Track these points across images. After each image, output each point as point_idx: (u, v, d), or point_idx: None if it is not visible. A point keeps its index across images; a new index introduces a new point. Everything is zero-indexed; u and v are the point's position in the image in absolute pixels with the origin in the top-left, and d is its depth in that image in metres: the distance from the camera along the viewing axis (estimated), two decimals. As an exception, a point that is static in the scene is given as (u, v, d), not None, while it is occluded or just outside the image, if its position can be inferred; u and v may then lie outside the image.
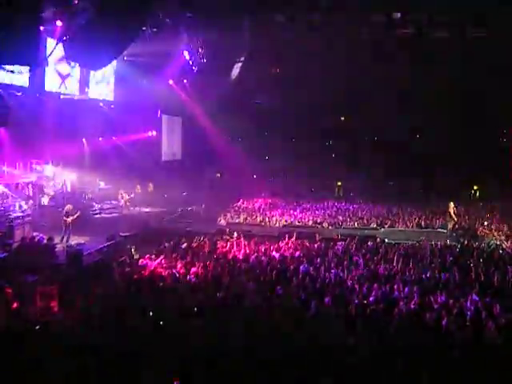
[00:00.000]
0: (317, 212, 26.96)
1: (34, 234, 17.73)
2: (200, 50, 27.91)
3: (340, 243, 17.94)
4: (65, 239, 18.36)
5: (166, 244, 17.60)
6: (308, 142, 37.94)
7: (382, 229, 23.14)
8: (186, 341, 8.42)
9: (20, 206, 19.10)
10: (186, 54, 27.81)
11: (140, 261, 15.42)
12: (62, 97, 22.62)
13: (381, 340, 8.86)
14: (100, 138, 28.19)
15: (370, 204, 29.65)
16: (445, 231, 22.19)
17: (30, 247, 15.82)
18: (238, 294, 11.78)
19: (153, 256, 15.77)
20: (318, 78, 32.52)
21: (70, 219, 18.70)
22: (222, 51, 28.52)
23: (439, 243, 17.78)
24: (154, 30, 23.49)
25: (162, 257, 15.58)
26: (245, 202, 30.15)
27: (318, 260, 15.13)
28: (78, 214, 19.13)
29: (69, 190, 24.37)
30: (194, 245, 17.57)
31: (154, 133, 32.55)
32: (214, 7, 22.71)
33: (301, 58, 29.80)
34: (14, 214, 18.03)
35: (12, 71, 18.35)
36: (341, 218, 25.23)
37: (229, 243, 17.79)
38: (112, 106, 27.87)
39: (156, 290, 12.37)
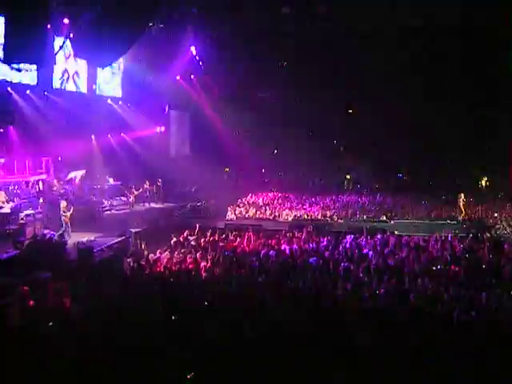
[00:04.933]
0: (326, 205, 26.87)
1: (45, 231, 17.75)
2: (207, 46, 27.90)
3: (349, 236, 17.96)
4: (66, 235, 17.79)
5: (176, 239, 17.66)
6: (316, 136, 37.83)
7: (392, 221, 23.11)
8: (199, 334, 8.45)
9: (30, 204, 19.19)
10: (192, 49, 27.81)
11: (150, 256, 15.47)
12: (69, 94, 22.70)
13: (392, 333, 8.84)
14: (108, 135, 28.24)
15: (380, 196, 29.53)
16: (455, 223, 22.13)
17: (41, 244, 15.89)
18: (248, 287, 11.82)
19: (164, 252, 15.82)
20: (326, 71, 32.37)
21: (67, 215, 18.07)
22: (228, 46, 28.43)
23: (450, 235, 17.70)
24: (161, 25, 23.52)
25: (172, 252, 15.65)
26: (254, 197, 30.11)
27: (327, 253, 15.18)
28: (71, 210, 18.34)
29: (78, 187, 24.40)
30: (204, 240, 17.63)
31: (163, 129, 32.56)
32: (221, 2, 22.68)
33: (307, 50, 29.70)
34: (25, 212, 18.11)
35: (19, 69, 18.40)
36: (350, 210, 25.18)
37: (238, 238, 17.82)
38: (120, 103, 27.95)
39: (167, 285, 12.42)
